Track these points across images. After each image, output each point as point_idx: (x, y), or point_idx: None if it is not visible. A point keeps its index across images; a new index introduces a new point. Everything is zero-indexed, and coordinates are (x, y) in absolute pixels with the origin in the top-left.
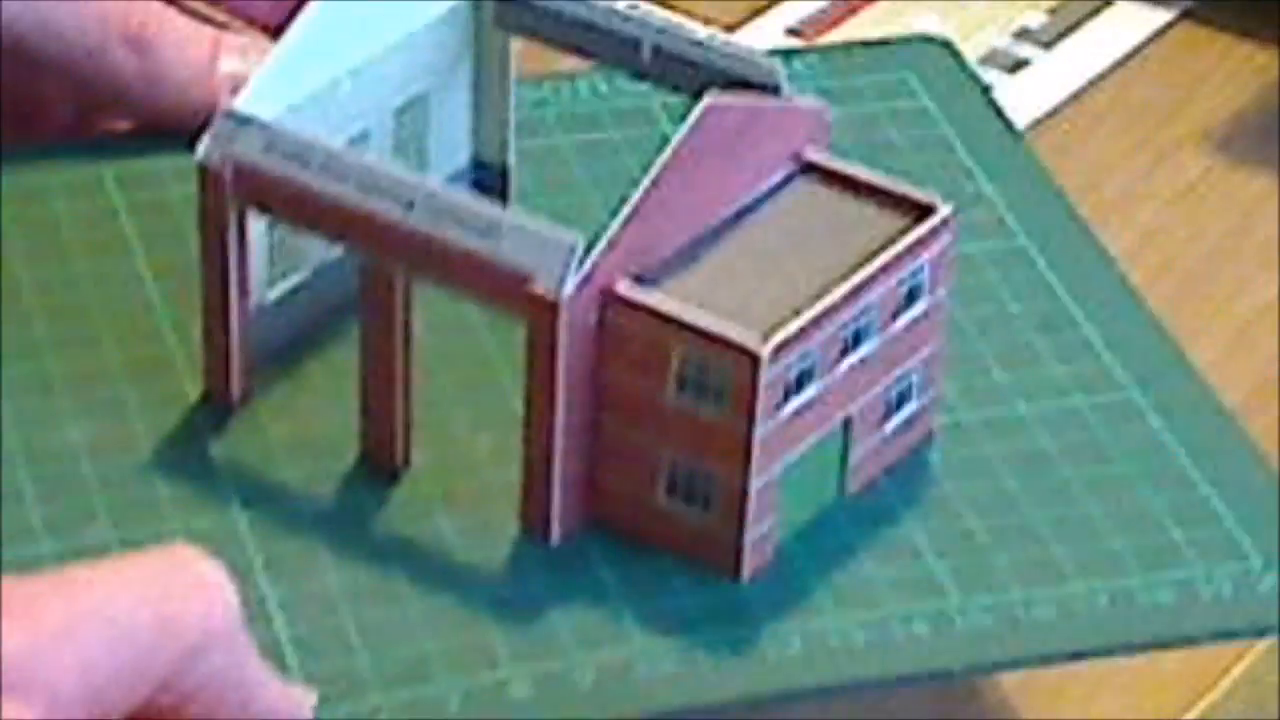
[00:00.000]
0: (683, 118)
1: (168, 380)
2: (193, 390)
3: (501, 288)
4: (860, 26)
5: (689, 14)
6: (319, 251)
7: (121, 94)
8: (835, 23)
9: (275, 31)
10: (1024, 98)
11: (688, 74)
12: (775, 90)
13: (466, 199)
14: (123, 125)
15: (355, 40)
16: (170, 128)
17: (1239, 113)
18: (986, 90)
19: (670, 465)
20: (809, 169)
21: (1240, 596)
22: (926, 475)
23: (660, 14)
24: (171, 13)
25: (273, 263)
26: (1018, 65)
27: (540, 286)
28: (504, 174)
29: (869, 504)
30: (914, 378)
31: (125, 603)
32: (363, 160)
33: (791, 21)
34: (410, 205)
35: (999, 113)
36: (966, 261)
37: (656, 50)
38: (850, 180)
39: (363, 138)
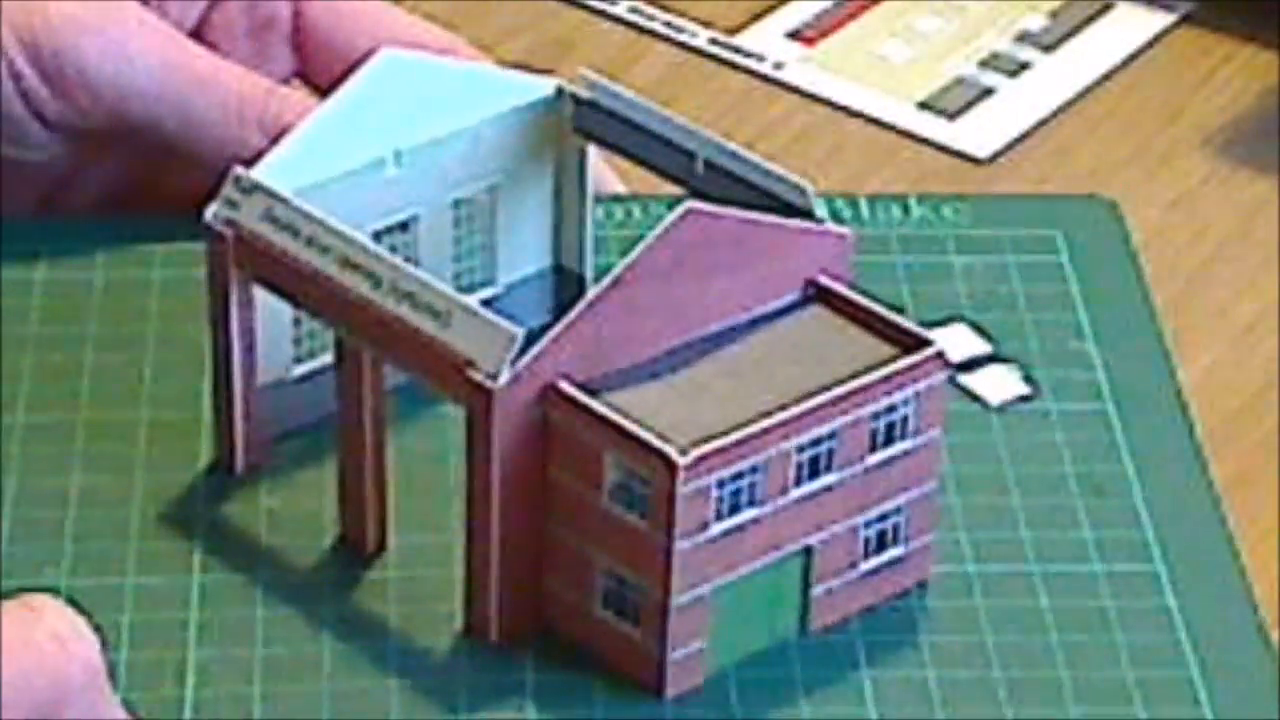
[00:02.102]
0: None
1: (186, 444)
2: (208, 457)
3: (447, 372)
4: (861, 30)
5: (690, 16)
6: None
7: None
8: (836, 26)
9: None
10: (1025, 101)
11: (732, 189)
12: (807, 214)
13: (427, 280)
14: None
15: (403, 124)
16: None
17: (1240, 116)
18: (1134, 254)
19: (605, 574)
20: (822, 295)
21: None
22: (904, 622)
23: (712, 134)
24: (305, 100)
25: (298, 341)
26: (1019, 68)
27: (478, 374)
28: (580, 281)
29: (829, 643)
30: (899, 519)
31: None
32: (345, 235)
33: (792, 24)
34: (378, 283)
35: (1139, 280)
36: (1038, 419)
37: (709, 164)
38: (859, 310)
39: (411, 224)
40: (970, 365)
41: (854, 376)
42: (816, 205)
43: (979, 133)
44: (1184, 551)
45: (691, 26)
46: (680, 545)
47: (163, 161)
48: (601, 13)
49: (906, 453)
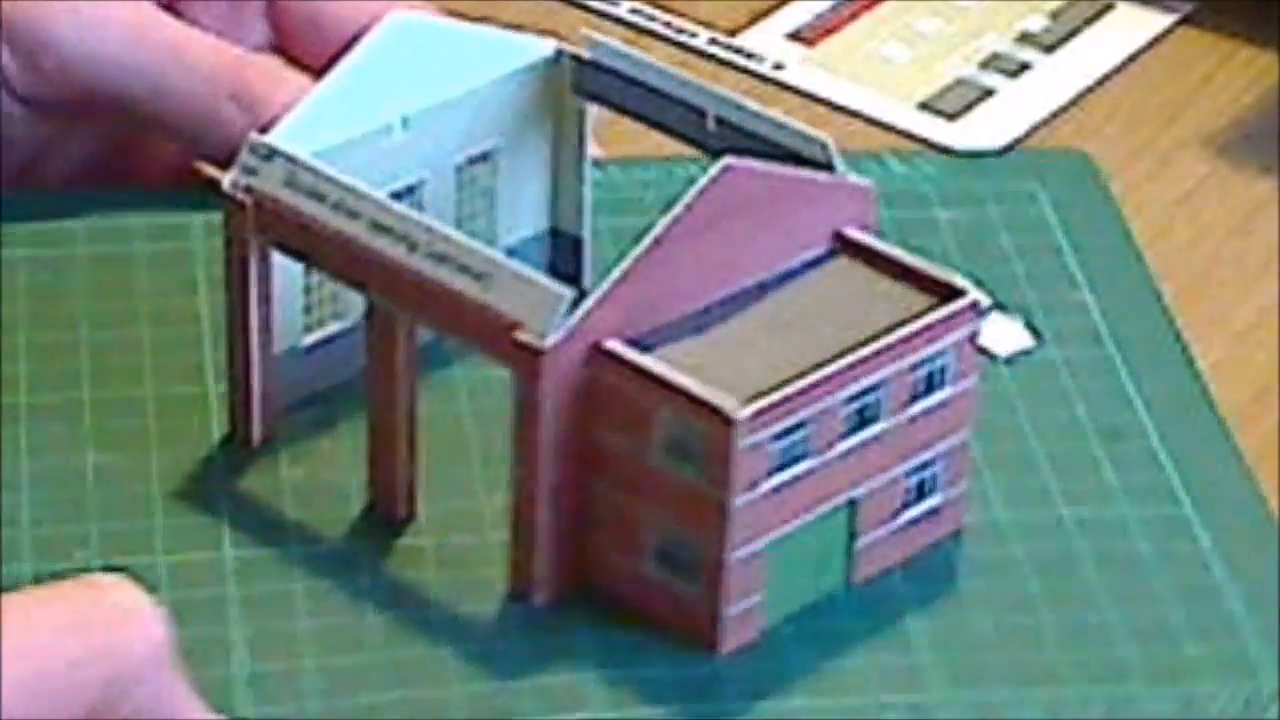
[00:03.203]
0: None
1: (197, 418)
2: (219, 430)
3: (491, 334)
4: (861, 31)
5: (690, 16)
6: (362, 302)
7: (230, 150)
8: (836, 27)
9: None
10: (1025, 101)
11: (748, 145)
12: (827, 167)
13: (466, 242)
14: None
15: (410, 88)
16: None
17: (1240, 116)
18: (1114, 204)
19: (656, 532)
20: (849, 247)
21: (1249, 717)
22: (945, 571)
23: (726, 90)
24: (283, 70)
25: (309, 309)
26: (1019, 69)
27: (527, 335)
28: (578, 245)
29: (875, 594)
30: (937, 469)
31: (47, 635)
32: (374, 199)
33: (792, 25)
34: (413, 247)
35: (1123, 228)
36: (1046, 367)
37: (720, 121)
38: (888, 261)
39: (417, 189)
40: None
41: (894, 327)
42: (838, 159)
43: (979, 133)
44: (1208, 492)
45: (691, 27)
46: (737, 501)
47: (137, 134)
48: (602, 13)
49: (944, 402)
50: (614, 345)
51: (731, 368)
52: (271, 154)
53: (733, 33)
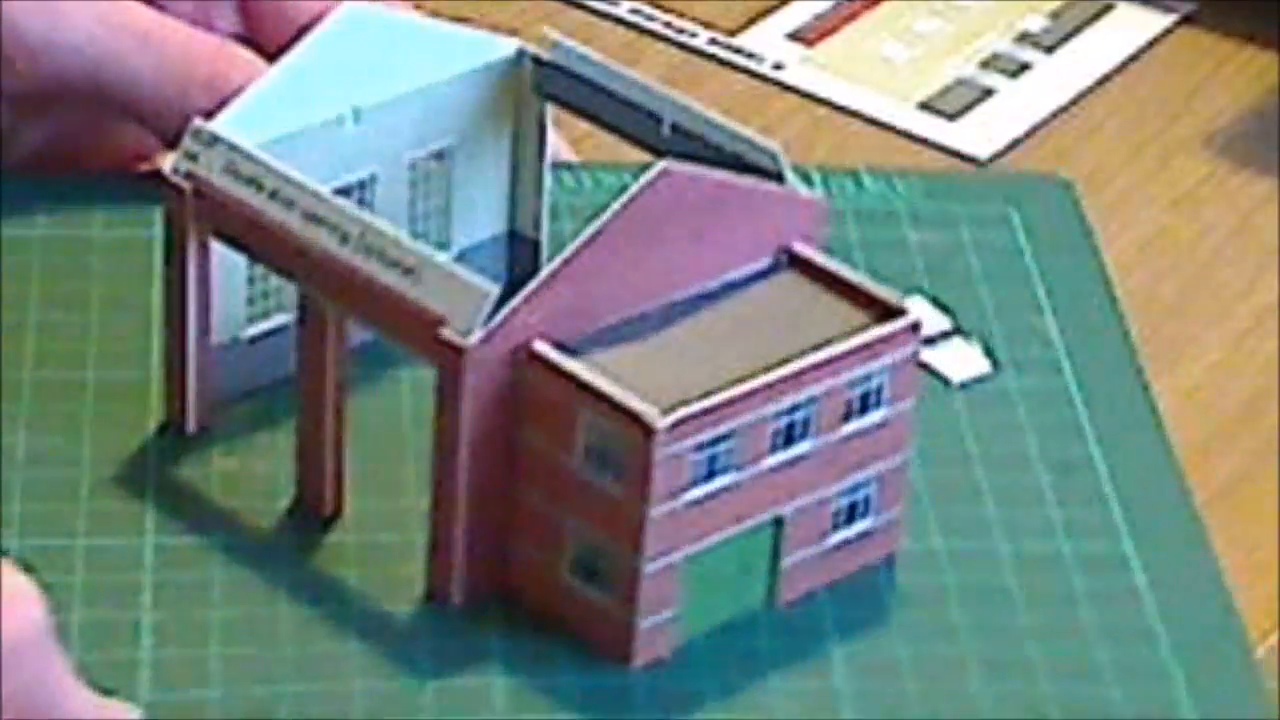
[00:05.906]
0: None
1: (135, 405)
2: (157, 417)
3: (417, 330)
4: (861, 31)
5: (690, 16)
6: None
7: None
8: (836, 27)
9: None
10: (1025, 101)
11: (700, 152)
12: (777, 177)
13: (399, 237)
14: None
15: (364, 80)
16: None
17: (1240, 116)
18: (1090, 233)
19: (576, 539)
20: (795, 262)
21: None
22: (872, 597)
23: (681, 96)
24: (252, 59)
25: (252, 301)
26: (1019, 69)
27: (450, 332)
28: (536, 248)
29: (797, 616)
30: (869, 491)
31: None
32: (310, 190)
33: (792, 25)
34: (345, 239)
35: (1095, 256)
36: (1001, 396)
37: (675, 128)
38: (833, 277)
39: (368, 183)
40: (930, 341)
41: (829, 344)
42: (787, 170)
43: (979, 133)
44: (1151, 531)
45: (691, 27)
46: (654, 511)
47: (102, 121)
48: (602, 13)
49: (879, 424)
50: (540, 347)
51: (661, 376)
52: (213, 140)
53: (733, 33)
